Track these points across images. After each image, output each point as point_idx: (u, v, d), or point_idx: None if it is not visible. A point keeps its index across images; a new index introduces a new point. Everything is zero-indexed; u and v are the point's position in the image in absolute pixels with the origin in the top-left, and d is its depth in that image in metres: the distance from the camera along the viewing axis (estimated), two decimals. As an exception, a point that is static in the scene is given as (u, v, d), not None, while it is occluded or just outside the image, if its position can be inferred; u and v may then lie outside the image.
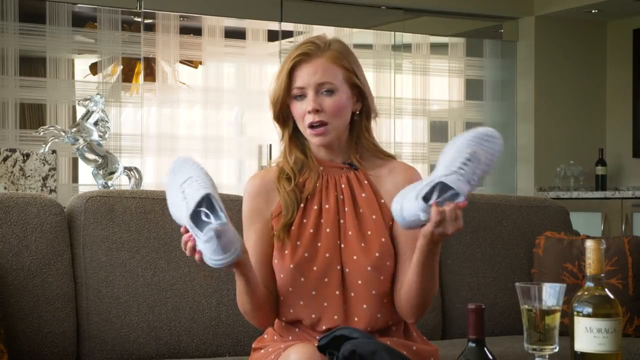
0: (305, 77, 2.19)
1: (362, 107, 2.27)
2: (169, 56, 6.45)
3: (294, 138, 2.27)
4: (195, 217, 1.99)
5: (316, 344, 1.99)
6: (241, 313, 2.24)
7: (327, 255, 2.18)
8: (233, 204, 2.88)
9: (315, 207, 2.22)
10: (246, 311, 2.21)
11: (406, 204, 2.01)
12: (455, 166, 2.01)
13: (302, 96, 2.20)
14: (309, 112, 2.18)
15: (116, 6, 6.15)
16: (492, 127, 2.10)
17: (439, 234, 2.01)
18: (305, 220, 2.21)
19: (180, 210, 2.03)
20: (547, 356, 1.83)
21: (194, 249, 2.00)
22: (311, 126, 2.19)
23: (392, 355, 1.87)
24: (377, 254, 2.18)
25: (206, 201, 1.99)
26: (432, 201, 1.99)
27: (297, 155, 2.26)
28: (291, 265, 2.18)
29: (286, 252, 2.19)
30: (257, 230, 2.24)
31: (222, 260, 1.97)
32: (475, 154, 2.03)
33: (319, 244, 2.19)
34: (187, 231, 2.02)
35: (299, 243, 2.19)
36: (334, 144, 2.25)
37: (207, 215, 1.99)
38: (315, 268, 2.18)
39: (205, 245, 1.97)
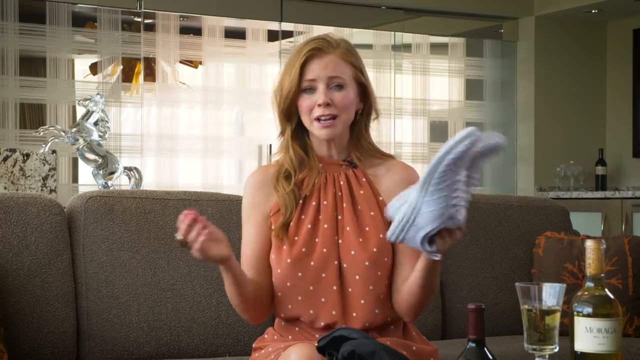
0: (316, 70, 2.22)
1: (364, 107, 2.30)
2: (169, 56, 6.45)
3: (295, 135, 2.29)
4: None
5: (316, 344, 1.99)
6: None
7: (325, 250, 2.20)
8: (233, 204, 2.88)
9: (314, 204, 2.25)
10: (235, 305, 2.22)
11: (411, 243, 1.98)
12: (451, 197, 1.92)
13: (311, 89, 2.23)
14: (319, 105, 2.21)
15: (116, 6, 6.15)
16: (492, 127, 2.08)
17: None
18: (303, 217, 2.24)
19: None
20: (547, 356, 1.83)
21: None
22: (319, 119, 2.21)
23: (391, 355, 1.87)
24: (374, 249, 2.19)
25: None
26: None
27: (298, 151, 2.28)
28: (288, 260, 2.19)
29: (284, 247, 2.21)
30: (256, 223, 2.26)
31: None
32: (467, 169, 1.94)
33: (317, 240, 2.21)
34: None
35: (296, 238, 2.21)
36: (336, 140, 2.27)
37: None
38: (312, 263, 2.19)
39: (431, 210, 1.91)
